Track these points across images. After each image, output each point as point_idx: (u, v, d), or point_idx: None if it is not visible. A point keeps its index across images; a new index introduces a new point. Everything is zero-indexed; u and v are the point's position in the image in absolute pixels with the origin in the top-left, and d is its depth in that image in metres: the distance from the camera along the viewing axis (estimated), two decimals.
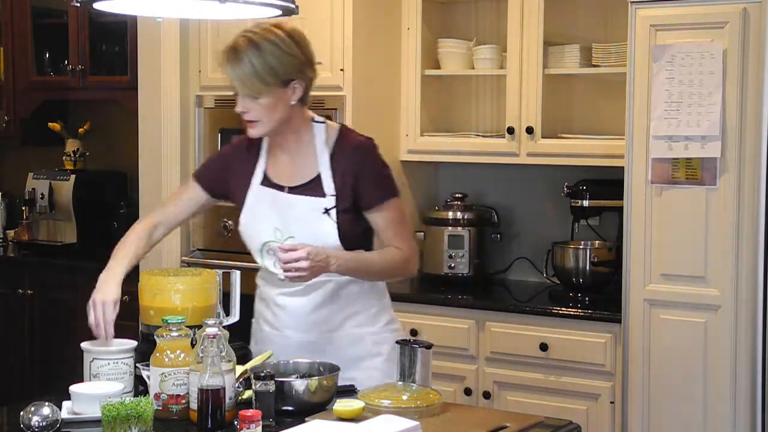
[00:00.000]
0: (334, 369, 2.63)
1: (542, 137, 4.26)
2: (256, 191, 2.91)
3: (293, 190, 2.87)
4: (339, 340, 2.90)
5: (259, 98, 2.75)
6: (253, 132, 2.82)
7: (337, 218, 2.83)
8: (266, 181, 2.91)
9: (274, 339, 2.92)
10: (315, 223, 2.83)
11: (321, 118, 2.92)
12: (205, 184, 2.99)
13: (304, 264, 2.69)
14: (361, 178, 2.85)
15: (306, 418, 2.42)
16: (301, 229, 2.84)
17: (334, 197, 2.84)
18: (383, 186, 2.90)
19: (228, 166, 2.97)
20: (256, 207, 2.90)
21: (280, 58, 2.74)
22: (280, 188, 2.88)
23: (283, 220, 2.86)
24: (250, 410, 2.26)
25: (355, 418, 2.40)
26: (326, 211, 2.83)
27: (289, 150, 2.89)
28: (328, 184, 2.84)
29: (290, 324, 2.91)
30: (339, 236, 2.83)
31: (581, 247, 4.26)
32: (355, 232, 2.87)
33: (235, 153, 2.99)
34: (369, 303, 2.95)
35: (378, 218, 2.88)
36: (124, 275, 2.81)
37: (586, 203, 4.25)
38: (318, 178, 2.86)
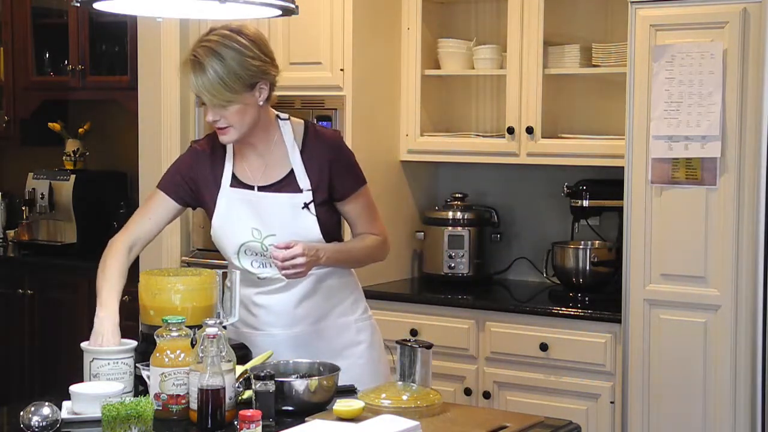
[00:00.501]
0: (334, 369, 2.63)
1: (542, 137, 4.26)
2: (227, 193, 2.90)
3: (264, 188, 2.88)
4: (325, 332, 2.93)
5: (229, 106, 2.74)
6: (226, 138, 2.82)
7: (316, 212, 2.86)
8: (235, 182, 2.90)
9: (254, 340, 2.92)
10: (295, 219, 2.85)
11: (285, 115, 2.94)
12: (172, 194, 2.95)
13: (301, 260, 2.72)
14: (336, 170, 2.89)
15: (306, 418, 2.42)
16: (282, 227, 2.85)
17: (311, 192, 2.86)
18: (355, 175, 2.96)
19: (193, 173, 2.95)
20: (229, 209, 2.89)
21: (243, 63, 2.72)
22: (250, 188, 2.89)
23: (260, 219, 2.87)
24: (250, 410, 2.26)
25: (355, 418, 2.40)
26: (305, 205, 2.85)
27: (258, 149, 2.89)
28: (303, 180, 2.86)
29: (275, 322, 2.92)
30: (320, 229, 2.86)
31: (581, 247, 4.26)
32: (332, 224, 2.92)
33: (198, 158, 2.96)
34: (347, 293, 3.00)
35: (352, 207, 2.95)
36: (118, 311, 2.77)
37: (586, 203, 4.25)
38: (291, 174, 2.87)
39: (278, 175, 2.88)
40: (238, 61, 2.71)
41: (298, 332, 2.92)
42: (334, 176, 2.88)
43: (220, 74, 2.69)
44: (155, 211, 2.95)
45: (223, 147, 2.92)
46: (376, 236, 2.99)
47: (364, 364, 2.89)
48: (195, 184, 2.94)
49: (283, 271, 2.74)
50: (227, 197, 2.90)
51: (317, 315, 2.94)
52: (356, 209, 2.96)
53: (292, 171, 2.87)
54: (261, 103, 2.80)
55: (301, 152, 2.88)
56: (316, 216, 2.86)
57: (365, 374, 2.88)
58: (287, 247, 2.73)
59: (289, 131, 2.90)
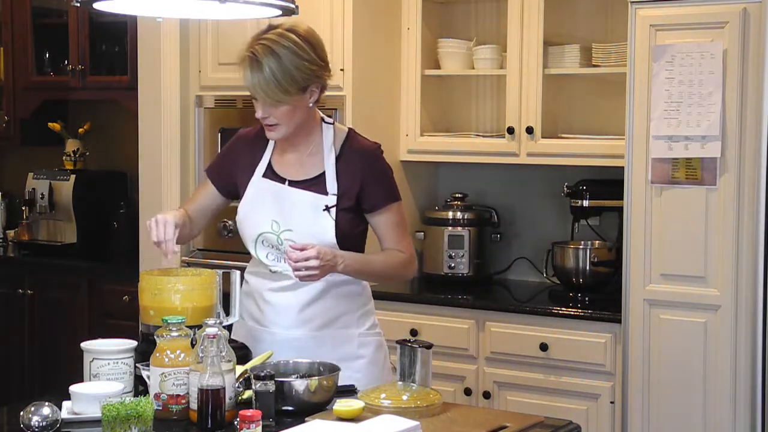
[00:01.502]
0: (334, 369, 2.63)
1: (542, 137, 4.26)
2: (257, 182, 2.95)
3: (294, 184, 2.91)
4: (324, 340, 2.92)
5: (280, 105, 2.79)
6: (273, 135, 2.88)
7: (337, 217, 2.87)
8: (269, 173, 2.95)
9: (257, 335, 2.93)
10: (314, 219, 2.86)
11: (330, 120, 2.99)
12: (215, 179, 3.04)
13: (314, 263, 2.72)
14: (368, 181, 2.91)
15: (306, 418, 2.42)
16: (300, 224, 2.87)
17: (336, 196, 2.88)
18: (388, 189, 2.97)
19: (235, 159, 3.02)
20: (256, 197, 2.94)
21: (299, 66, 2.78)
22: (282, 181, 2.93)
23: (282, 213, 2.89)
24: (250, 410, 2.26)
25: (355, 418, 2.40)
26: (327, 208, 2.87)
27: (297, 147, 2.94)
28: (332, 184, 2.89)
29: (277, 321, 2.93)
30: (336, 234, 2.86)
31: (581, 247, 4.26)
32: (352, 233, 2.91)
33: (242, 145, 3.03)
34: (356, 305, 2.99)
35: (380, 220, 2.95)
36: (181, 218, 2.85)
37: (586, 203, 4.25)
38: (322, 176, 2.90)
39: (310, 173, 2.92)
40: (294, 63, 2.77)
41: (299, 335, 2.91)
42: (364, 186, 2.90)
43: (276, 74, 2.75)
44: (202, 195, 3.06)
45: (267, 138, 2.96)
46: (401, 254, 2.97)
47: (360, 378, 2.85)
48: (235, 168, 3.00)
49: (296, 273, 2.75)
50: (257, 186, 2.94)
51: (321, 321, 2.93)
52: (385, 224, 2.95)
53: (323, 173, 2.90)
54: (311, 104, 2.85)
55: (338, 158, 2.92)
56: (335, 221, 2.87)
57: (360, 389, 2.87)
58: (303, 249, 2.73)
59: (331, 135, 2.94)
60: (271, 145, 2.97)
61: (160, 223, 2.77)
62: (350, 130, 3.00)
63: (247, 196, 2.96)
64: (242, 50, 2.81)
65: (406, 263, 2.98)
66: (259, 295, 2.96)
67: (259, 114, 2.83)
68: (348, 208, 2.89)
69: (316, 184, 2.90)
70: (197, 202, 3.06)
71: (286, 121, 2.83)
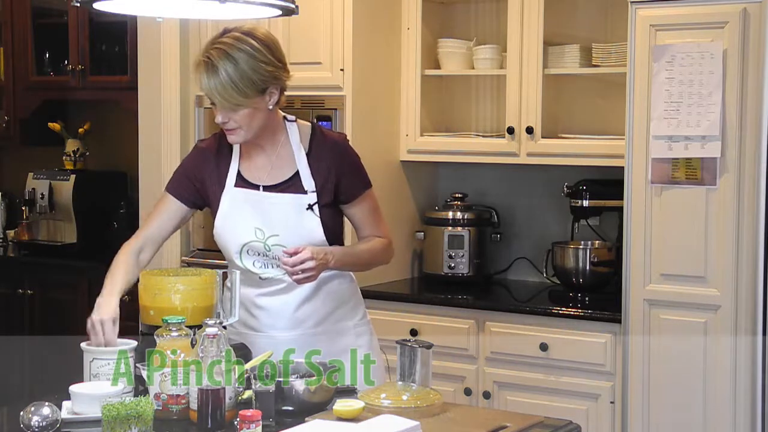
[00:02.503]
0: (333, 369, 2.62)
1: (542, 137, 4.26)
2: (230, 193, 2.91)
3: (270, 188, 2.89)
4: (323, 336, 2.93)
5: (239, 109, 2.75)
6: (234, 139, 2.83)
7: (320, 214, 2.86)
8: (240, 182, 2.91)
9: (254, 341, 2.91)
10: (299, 221, 2.86)
11: (292, 117, 2.95)
12: (179, 196, 2.96)
13: (311, 264, 2.72)
14: (343, 172, 2.91)
15: (306, 418, 2.42)
16: (285, 227, 2.86)
17: (315, 193, 2.87)
18: (361, 177, 2.97)
19: (198, 172, 2.96)
20: (233, 208, 2.90)
21: (256, 68, 2.73)
22: (255, 187, 2.90)
23: (264, 219, 2.87)
24: (250, 410, 2.26)
25: (355, 418, 2.40)
26: (310, 207, 2.86)
27: (265, 150, 2.91)
28: (308, 181, 2.88)
29: (275, 324, 2.93)
30: (324, 231, 2.87)
31: (581, 247, 4.26)
32: (336, 228, 2.93)
33: (204, 157, 2.97)
34: (347, 297, 3.01)
35: (358, 209, 2.96)
36: (119, 296, 2.77)
37: (586, 203, 4.25)
38: (296, 176, 2.89)
39: (284, 175, 2.89)
40: (251, 66, 2.72)
41: (297, 335, 2.92)
42: (340, 178, 2.90)
43: (232, 77, 2.70)
44: (163, 214, 2.97)
45: (230, 146, 2.93)
46: (382, 239, 2.99)
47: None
48: (201, 183, 2.95)
49: (294, 277, 2.75)
50: (231, 196, 2.90)
51: (317, 318, 2.94)
52: (362, 212, 2.97)
53: (297, 172, 2.89)
54: (270, 107, 2.81)
55: (308, 154, 2.90)
56: (320, 218, 2.87)
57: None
58: (296, 252, 2.72)
59: (296, 133, 2.92)
60: (236, 153, 2.93)
61: (97, 325, 2.67)
62: (314, 124, 2.99)
63: (222, 208, 2.91)
64: (197, 56, 2.77)
65: (387, 248, 3.01)
66: (251, 302, 2.94)
67: (218, 119, 2.78)
68: (328, 203, 2.89)
69: (292, 185, 2.88)
70: (159, 222, 2.96)
71: (246, 124, 2.78)
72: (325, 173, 2.88)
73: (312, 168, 2.88)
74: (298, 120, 2.96)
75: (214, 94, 2.73)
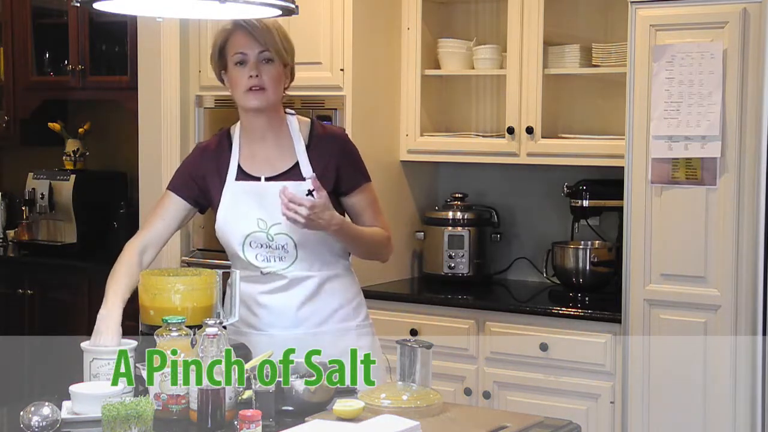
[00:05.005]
0: (334, 369, 2.62)
1: (542, 137, 4.26)
2: (231, 186, 2.94)
3: (270, 179, 2.91)
4: (324, 336, 2.93)
5: (273, 63, 2.84)
6: (255, 102, 2.87)
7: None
8: (241, 175, 2.94)
9: (254, 340, 2.92)
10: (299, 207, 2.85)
11: (291, 111, 3.01)
12: (181, 194, 2.98)
13: (303, 211, 2.74)
14: (343, 164, 2.94)
15: (306, 418, 2.42)
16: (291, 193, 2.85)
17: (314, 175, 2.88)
18: (361, 170, 3.01)
19: (200, 170, 2.98)
20: (235, 201, 2.92)
21: (287, 38, 2.89)
22: (257, 179, 2.93)
23: (266, 209, 2.88)
24: (250, 410, 2.26)
25: (355, 418, 2.40)
26: (309, 192, 2.85)
27: (265, 141, 2.94)
28: (307, 169, 2.90)
29: (276, 323, 2.93)
30: None
31: (581, 247, 4.26)
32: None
33: (204, 155, 3.01)
34: (349, 297, 3.01)
35: (357, 201, 2.98)
36: (121, 312, 2.76)
37: (586, 203, 4.25)
38: (296, 166, 2.92)
39: (284, 166, 2.92)
40: (284, 34, 2.89)
41: (299, 334, 2.92)
42: (340, 170, 2.93)
43: (275, 30, 2.85)
44: (166, 212, 2.98)
45: (230, 142, 2.97)
46: (383, 231, 3.01)
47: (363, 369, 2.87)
48: (202, 179, 2.97)
49: (285, 211, 2.76)
50: (232, 190, 2.93)
51: (319, 318, 2.95)
52: (361, 204, 2.98)
53: (296, 163, 2.92)
54: (285, 85, 2.91)
55: (308, 147, 2.94)
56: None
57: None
58: (300, 203, 2.74)
59: (296, 124, 2.97)
60: (236, 148, 2.96)
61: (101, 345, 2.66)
62: (313, 119, 3.03)
63: (224, 202, 2.93)
64: (221, 26, 2.91)
65: (387, 241, 3.03)
66: (252, 299, 2.95)
67: (249, 73, 2.83)
68: (327, 193, 2.88)
69: (292, 174, 2.90)
70: (161, 221, 2.97)
71: (273, 86, 2.85)
72: (324, 163, 2.91)
73: (311, 158, 2.92)
74: (297, 115, 3.01)
75: (258, 37, 2.82)
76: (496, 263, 4.63)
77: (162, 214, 2.98)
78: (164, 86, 4.65)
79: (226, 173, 2.94)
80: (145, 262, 2.93)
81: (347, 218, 2.96)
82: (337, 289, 2.97)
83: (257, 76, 2.83)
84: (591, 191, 4.24)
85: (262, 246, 2.91)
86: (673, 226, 3.63)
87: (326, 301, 2.95)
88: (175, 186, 3.00)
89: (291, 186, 2.85)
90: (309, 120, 3.00)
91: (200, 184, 2.97)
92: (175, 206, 2.98)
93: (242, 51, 2.85)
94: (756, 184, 3.45)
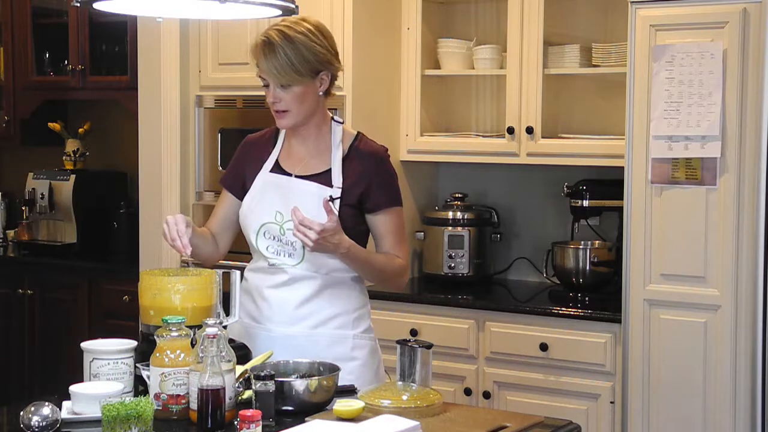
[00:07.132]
0: (334, 369, 2.63)
1: (542, 137, 4.26)
2: (264, 176, 3.00)
3: (300, 177, 2.96)
4: (319, 339, 2.93)
5: (291, 87, 2.86)
6: (282, 122, 2.93)
7: (339, 210, 2.88)
8: (276, 168, 3.00)
9: (253, 333, 2.95)
10: (317, 210, 2.86)
11: (340, 119, 3.05)
12: (231, 188, 3.09)
13: (312, 235, 2.75)
14: (374, 183, 2.95)
15: (306, 418, 2.42)
16: (303, 214, 2.86)
17: (340, 189, 2.92)
18: (391, 192, 3.01)
19: (245, 162, 3.07)
20: (262, 190, 2.98)
21: (312, 49, 2.87)
22: (288, 174, 2.97)
23: (286, 204, 2.92)
24: (250, 410, 2.26)
25: (355, 418, 2.40)
26: (331, 199, 2.88)
27: (306, 143, 2.99)
28: (337, 178, 2.93)
29: (274, 317, 2.94)
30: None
31: (581, 247, 4.26)
32: (353, 229, 2.92)
33: (249, 148, 3.10)
34: (352, 307, 3.00)
35: (380, 222, 2.98)
36: (191, 226, 2.88)
37: (586, 203, 4.25)
38: (328, 172, 2.95)
39: (317, 168, 2.96)
40: (307, 47, 2.86)
41: (294, 333, 2.92)
42: (370, 187, 2.94)
43: (289, 55, 2.83)
44: (220, 207, 3.11)
45: (276, 137, 3.04)
46: (399, 259, 3.00)
47: (353, 380, 2.82)
48: (244, 171, 3.05)
49: (296, 232, 2.78)
50: (263, 180, 3.00)
51: (317, 320, 2.95)
52: (385, 226, 2.99)
53: (329, 169, 2.95)
54: (321, 93, 2.92)
55: (345, 157, 2.96)
56: (338, 214, 2.87)
57: None
58: (310, 226, 2.75)
59: (339, 134, 3.00)
60: (279, 143, 3.03)
61: (171, 222, 2.83)
62: (359, 132, 3.05)
63: (253, 189, 3.00)
64: (256, 37, 2.91)
65: (402, 271, 3.02)
66: (258, 292, 2.98)
67: (270, 98, 2.89)
68: (350, 204, 2.92)
69: (322, 178, 2.94)
70: (219, 215, 3.10)
71: (296, 107, 2.88)
72: (356, 177, 2.94)
73: (344, 169, 2.94)
74: (345, 125, 3.04)
75: (270, 70, 2.85)
76: (496, 263, 4.63)
77: (218, 209, 3.12)
78: (164, 86, 4.65)
79: (264, 163, 3.01)
80: (219, 244, 3.08)
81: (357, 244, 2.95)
82: (339, 296, 2.97)
83: (279, 101, 2.89)
84: (591, 191, 4.24)
85: (274, 238, 2.94)
86: (673, 226, 3.63)
87: (326, 305, 2.95)
88: (225, 181, 3.13)
89: (315, 188, 2.91)
90: (355, 133, 3.04)
91: (243, 175, 3.05)
92: (228, 201, 3.09)
93: (263, 76, 2.90)
94: (756, 184, 3.45)
